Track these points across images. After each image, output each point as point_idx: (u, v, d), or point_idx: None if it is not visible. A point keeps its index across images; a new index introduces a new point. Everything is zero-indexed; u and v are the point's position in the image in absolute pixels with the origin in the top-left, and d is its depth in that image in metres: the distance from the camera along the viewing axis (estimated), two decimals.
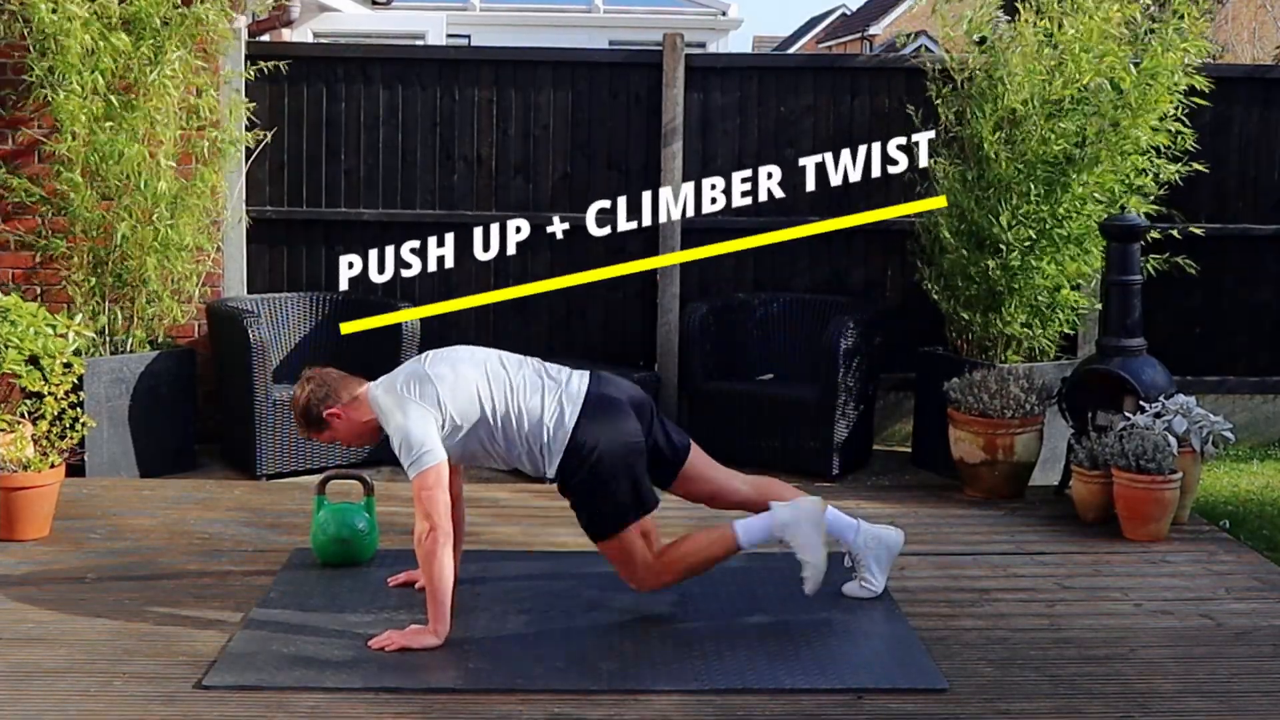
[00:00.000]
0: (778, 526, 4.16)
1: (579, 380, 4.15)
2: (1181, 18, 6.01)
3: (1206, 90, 6.22)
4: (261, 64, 6.56)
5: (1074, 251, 6.04)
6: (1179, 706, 3.59)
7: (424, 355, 4.16)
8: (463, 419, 4.00)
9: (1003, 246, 5.97)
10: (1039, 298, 6.07)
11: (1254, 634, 4.13)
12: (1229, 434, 5.28)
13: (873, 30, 29.93)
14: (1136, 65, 5.98)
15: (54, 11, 5.68)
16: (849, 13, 36.14)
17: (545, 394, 4.07)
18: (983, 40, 6.16)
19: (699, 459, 4.32)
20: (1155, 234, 6.34)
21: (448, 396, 3.99)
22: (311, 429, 4.14)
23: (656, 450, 4.19)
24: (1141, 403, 5.38)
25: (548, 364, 4.23)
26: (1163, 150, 6.14)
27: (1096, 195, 5.98)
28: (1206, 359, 7.11)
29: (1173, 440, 5.10)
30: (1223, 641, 4.07)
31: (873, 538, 4.36)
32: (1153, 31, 6.08)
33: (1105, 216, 5.88)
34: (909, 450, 6.70)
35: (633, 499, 4.06)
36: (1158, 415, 5.25)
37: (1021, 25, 6.09)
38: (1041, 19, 6.07)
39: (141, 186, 5.89)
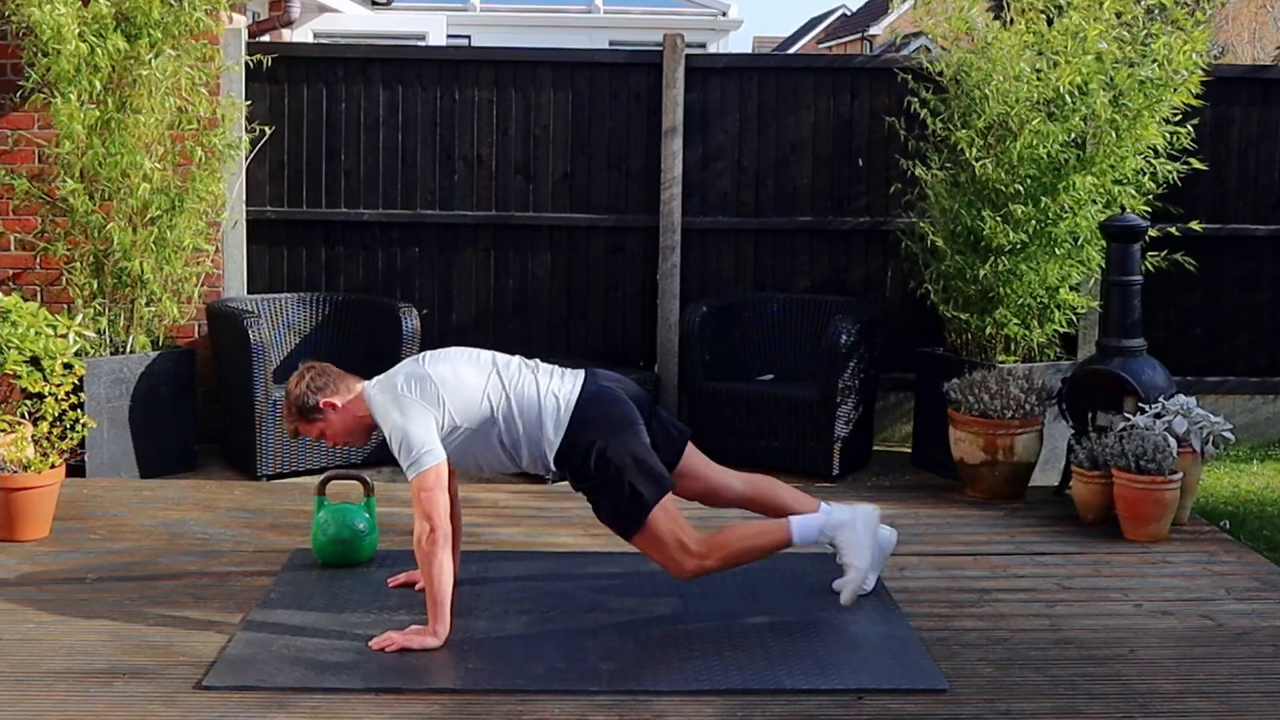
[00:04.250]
0: (831, 525, 4.11)
1: (574, 377, 4.14)
2: (1180, 16, 5.99)
3: (1199, 89, 6.15)
4: (261, 64, 6.56)
5: (1068, 251, 6.02)
6: (1179, 707, 3.58)
7: (421, 356, 4.13)
8: (464, 419, 3.98)
9: (994, 249, 5.97)
10: (1033, 298, 6.06)
11: (1254, 634, 4.13)
12: (1229, 434, 5.28)
13: (873, 30, 29.93)
14: (1132, 67, 5.95)
15: (47, 13, 5.61)
16: (849, 13, 36.15)
17: (540, 390, 4.05)
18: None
19: (694, 456, 4.30)
20: (1153, 232, 6.33)
21: (449, 396, 3.97)
22: (303, 419, 4.07)
23: (653, 445, 4.11)
24: (1141, 403, 5.38)
25: (541, 363, 4.20)
26: (1160, 149, 6.13)
27: (1094, 197, 5.96)
28: (1206, 359, 7.11)
29: (1173, 441, 5.09)
30: (1223, 642, 4.06)
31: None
32: (1155, 34, 6.04)
33: (1103, 217, 5.87)
34: (909, 450, 6.69)
35: (647, 482, 3.98)
36: (1158, 416, 5.25)
37: (1003, 29, 6.06)
38: (1027, 15, 6.04)
39: (135, 189, 5.88)
